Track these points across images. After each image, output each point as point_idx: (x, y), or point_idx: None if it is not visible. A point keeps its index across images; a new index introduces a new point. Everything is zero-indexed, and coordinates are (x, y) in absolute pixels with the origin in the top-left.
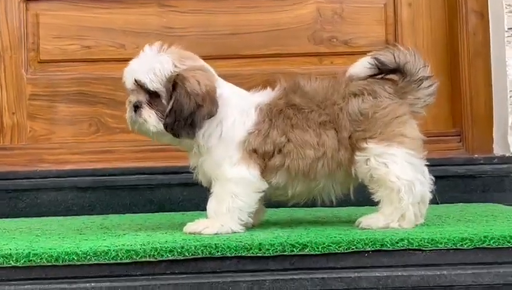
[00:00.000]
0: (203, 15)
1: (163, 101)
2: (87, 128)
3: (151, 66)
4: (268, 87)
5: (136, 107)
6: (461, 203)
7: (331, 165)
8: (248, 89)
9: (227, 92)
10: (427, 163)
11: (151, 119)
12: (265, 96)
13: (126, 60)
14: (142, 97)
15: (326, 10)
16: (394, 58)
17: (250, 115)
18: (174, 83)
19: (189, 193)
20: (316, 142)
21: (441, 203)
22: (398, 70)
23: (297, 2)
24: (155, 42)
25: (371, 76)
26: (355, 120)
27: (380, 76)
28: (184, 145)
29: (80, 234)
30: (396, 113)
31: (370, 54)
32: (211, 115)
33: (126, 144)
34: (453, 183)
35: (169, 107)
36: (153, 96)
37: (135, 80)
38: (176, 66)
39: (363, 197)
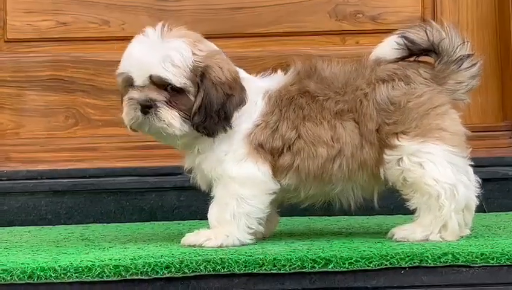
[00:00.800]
0: None
1: (191, 97)
2: (64, 121)
3: (166, 55)
4: (279, 71)
5: (148, 107)
6: None
7: (350, 166)
8: (256, 73)
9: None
10: (472, 163)
11: (175, 121)
12: (275, 81)
13: (110, 39)
14: (158, 95)
15: None
16: (427, 35)
17: (258, 104)
18: (201, 74)
19: (186, 198)
20: (329, 137)
21: (488, 212)
22: (432, 50)
23: None
24: (144, 19)
25: (402, 58)
26: (384, 110)
27: (412, 58)
28: (186, 145)
29: (57, 246)
30: (434, 102)
31: (397, 32)
32: (243, 102)
33: (110, 140)
34: (503, 187)
35: (198, 103)
36: (174, 93)
37: (151, 76)
38: (194, 54)
39: (394, 204)
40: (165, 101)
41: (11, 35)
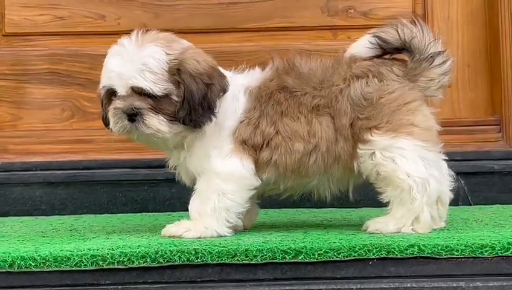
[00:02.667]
0: None
1: (174, 98)
2: (60, 114)
3: (144, 63)
4: (256, 67)
5: (133, 115)
6: (497, 205)
7: (326, 160)
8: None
9: None
10: (459, 157)
11: (163, 126)
12: (254, 77)
13: (106, 34)
14: (141, 103)
15: None
16: (398, 34)
17: (240, 101)
18: (177, 72)
19: (177, 191)
20: (306, 132)
21: (473, 205)
22: (405, 48)
23: None
24: (139, 13)
25: (376, 56)
26: (358, 105)
27: (386, 56)
28: (177, 145)
29: (43, 236)
30: (405, 98)
31: (370, 32)
32: (224, 90)
33: (105, 133)
34: (489, 180)
35: (180, 98)
36: (158, 99)
37: (132, 87)
38: (168, 54)
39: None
40: (150, 108)
41: (9, 29)
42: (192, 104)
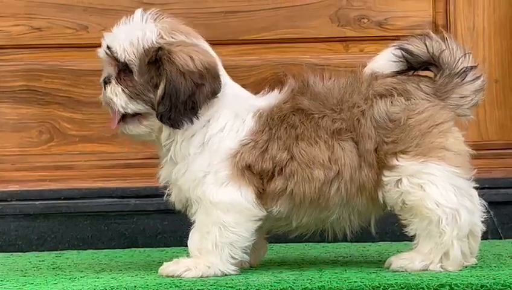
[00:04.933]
0: None
1: (135, 76)
2: (37, 137)
3: (131, 33)
4: (275, 89)
5: (105, 84)
6: None
7: (349, 189)
8: (250, 84)
9: (227, 90)
10: (487, 184)
11: (117, 98)
12: (269, 99)
13: (88, 46)
14: (112, 70)
15: None
16: (426, 47)
17: (247, 122)
18: (156, 57)
19: (170, 223)
20: (327, 158)
21: (505, 238)
22: (432, 62)
23: None
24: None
25: (399, 72)
26: (383, 128)
27: (411, 72)
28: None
29: (24, 275)
30: (436, 119)
31: (394, 44)
32: (214, 93)
33: (89, 157)
34: None
35: (161, 92)
36: (123, 69)
37: (107, 46)
38: (161, 38)
39: (400, 230)
40: (115, 77)
41: None
42: (175, 101)
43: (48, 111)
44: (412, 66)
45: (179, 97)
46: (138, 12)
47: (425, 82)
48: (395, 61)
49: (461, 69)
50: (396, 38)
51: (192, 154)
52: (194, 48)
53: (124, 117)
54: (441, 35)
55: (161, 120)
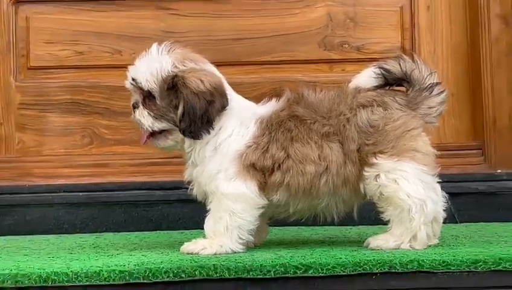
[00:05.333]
0: (204, 19)
1: (157, 101)
2: (80, 140)
3: (151, 65)
4: (274, 99)
5: (134, 108)
6: (481, 223)
7: (335, 181)
8: (253, 98)
9: (233, 103)
10: (446, 179)
11: (144, 119)
12: (268, 108)
13: (122, 67)
14: (138, 97)
15: (337, 14)
16: (400, 66)
17: (250, 128)
18: (173, 83)
19: (189, 210)
20: (317, 155)
21: (459, 223)
22: (405, 79)
23: (306, 5)
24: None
25: (378, 87)
26: (365, 132)
27: (387, 86)
28: (184, 155)
29: (71, 253)
30: (408, 126)
31: (374, 64)
32: (223, 107)
33: (122, 157)
34: (473, 200)
35: (181, 111)
36: (147, 96)
37: (132, 78)
38: (175, 67)
39: (374, 215)
40: (142, 102)
41: (33, 63)
42: (193, 118)
43: (89, 119)
44: (388, 82)
45: (195, 114)
46: (154, 46)
47: (399, 95)
48: (375, 78)
49: (428, 85)
50: (372, 60)
51: (207, 157)
52: (203, 72)
53: (153, 134)
54: (411, 57)
55: (184, 134)
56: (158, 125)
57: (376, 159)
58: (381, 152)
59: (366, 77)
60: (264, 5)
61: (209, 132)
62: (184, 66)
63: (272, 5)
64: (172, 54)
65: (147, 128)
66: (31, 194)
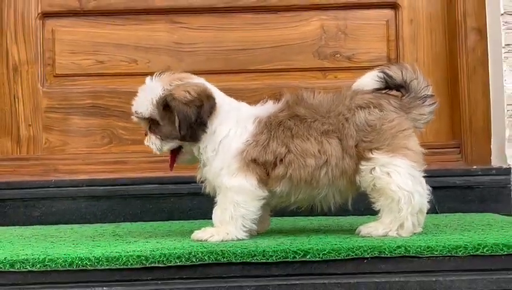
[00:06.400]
0: (212, 31)
1: (160, 123)
2: (101, 140)
3: (146, 95)
4: (270, 101)
5: (145, 136)
6: (459, 213)
7: (334, 173)
8: (254, 102)
9: (225, 106)
10: (427, 174)
11: (153, 144)
12: (266, 109)
13: (138, 75)
14: (145, 125)
15: (330, 27)
16: (402, 74)
17: (248, 127)
18: (166, 103)
19: (198, 203)
20: (317, 150)
21: (440, 213)
22: (403, 86)
23: (302, 19)
24: (165, 58)
25: (379, 89)
26: (362, 130)
27: (384, 90)
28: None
29: (93, 240)
30: (402, 126)
31: (379, 67)
32: (212, 107)
33: (138, 155)
34: (452, 193)
35: (177, 122)
36: (151, 122)
37: (135, 112)
38: (165, 89)
39: (364, 206)
40: (149, 129)
41: (58, 71)
42: (189, 124)
43: (108, 122)
44: (388, 86)
45: (190, 120)
46: (147, 79)
47: (394, 99)
48: (376, 81)
49: (423, 95)
50: (361, 68)
51: (210, 157)
52: (187, 84)
53: (173, 156)
54: (413, 68)
55: (184, 140)
56: (166, 146)
57: (372, 154)
58: (377, 148)
59: (369, 79)
60: (265, 19)
61: (205, 132)
62: (171, 85)
63: (272, 19)
64: (160, 80)
65: (157, 151)
66: (57, 188)
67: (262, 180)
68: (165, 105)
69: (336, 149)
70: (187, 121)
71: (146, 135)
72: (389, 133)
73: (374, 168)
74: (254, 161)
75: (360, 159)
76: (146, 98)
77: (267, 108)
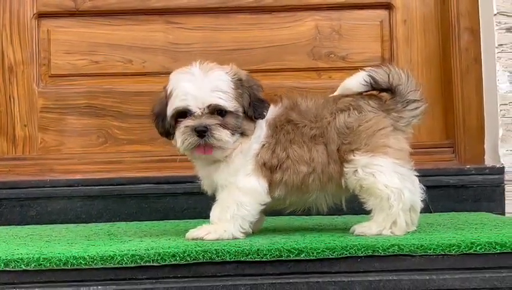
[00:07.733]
0: (207, 31)
1: (239, 114)
2: (96, 140)
3: (215, 86)
4: (272, 104)
5: (203, 132)
6: (453, 212)
7: (322, 179)
8: None
9: None
10: (421, 173)
11: (229, 138)
12: (272, 112)
13: (133, 75)
14: (212, 120)
15: (324, 27)
16: (388, 79)
17: (263, 128)
18: (240, 83)
19: (193, 202)
20: (308, 157)
21: (434, 212)
22: (390, 89)
23: (297, 19)
24: (160, 58)
25: (363, 92)
26: (342, 133)
27: (369, 91)
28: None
29: (88, 240)
30: (379, 125)
31: (367, 69)
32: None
33: (133, 155)
34: (445, 192)
35: (247, 103)
36: (226, 115)
37: (209, 106)
38: (228, 74)
39: (358, 206)
40: (218, 124)
41: (54, 71)
42: (257, 102)
43: (103, 121)
44: (374, 89)
45: (258, 97)
46: (195, 69)
47: (373, 99)
48: (362, 84)
49: (406, 100)
50: (355, 68)
51: (234, 155)
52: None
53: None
54: (403, 72)
55: (253, 119)
56: (234, 138)
57: (354, 156)
58: (357, 149)
59: (356, 82)
60: (260, 19)
61: (267, 109)
62: (233, 72)
63: (267, 19)
64: (216, 68)
65: (228, 146)
66: (52, 188)
67: (269, 185)
68: (241, 87)
69: (321, 156)
70: (255, 99)
71: (204, 131)
72: (366, 133)
73: (357, 170)
74: (264, 164)
75: (343, 162)
76: (218, 89)
77: (271, 110)
